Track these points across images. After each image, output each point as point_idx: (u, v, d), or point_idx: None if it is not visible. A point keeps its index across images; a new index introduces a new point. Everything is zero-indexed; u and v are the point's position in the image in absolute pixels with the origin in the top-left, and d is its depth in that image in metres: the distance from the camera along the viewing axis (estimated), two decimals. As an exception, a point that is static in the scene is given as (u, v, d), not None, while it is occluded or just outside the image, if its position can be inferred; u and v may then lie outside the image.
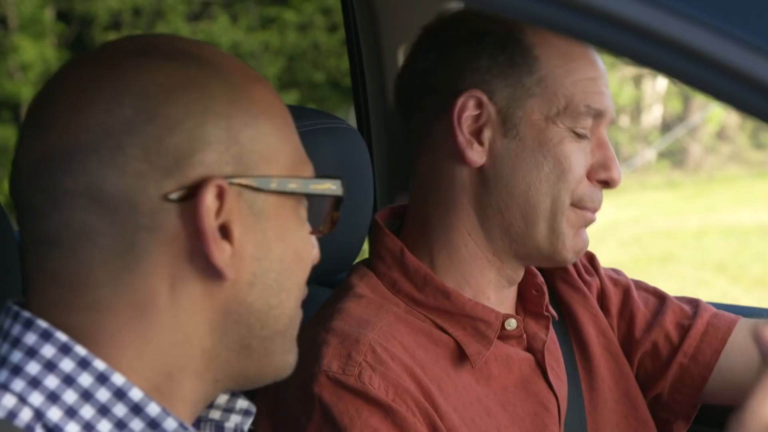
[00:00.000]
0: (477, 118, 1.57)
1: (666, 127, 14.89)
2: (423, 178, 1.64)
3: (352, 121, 2.22)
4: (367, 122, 2.29)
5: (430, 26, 1.65)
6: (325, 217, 1.14)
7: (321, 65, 11.74)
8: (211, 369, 1.08)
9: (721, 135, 14.74)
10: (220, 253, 1.04)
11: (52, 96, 1.07)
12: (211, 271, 1.05)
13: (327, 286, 1.92)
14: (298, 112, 1.96)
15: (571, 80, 1.57)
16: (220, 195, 1.04)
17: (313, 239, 1.14)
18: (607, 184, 1.60)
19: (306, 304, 1.71)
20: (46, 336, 1.03)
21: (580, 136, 1.57)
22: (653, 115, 15.15)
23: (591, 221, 1.61)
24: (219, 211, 1.04)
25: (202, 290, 1.06)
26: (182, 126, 1.04)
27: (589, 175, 1.59)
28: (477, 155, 1.57)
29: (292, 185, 1.09)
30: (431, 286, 1.59)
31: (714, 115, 14.37)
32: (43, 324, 1.04)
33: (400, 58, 2.20)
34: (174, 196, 1.03)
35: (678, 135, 14.53)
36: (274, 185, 1.07)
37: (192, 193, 1.03)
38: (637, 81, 14.90)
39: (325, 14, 11.82)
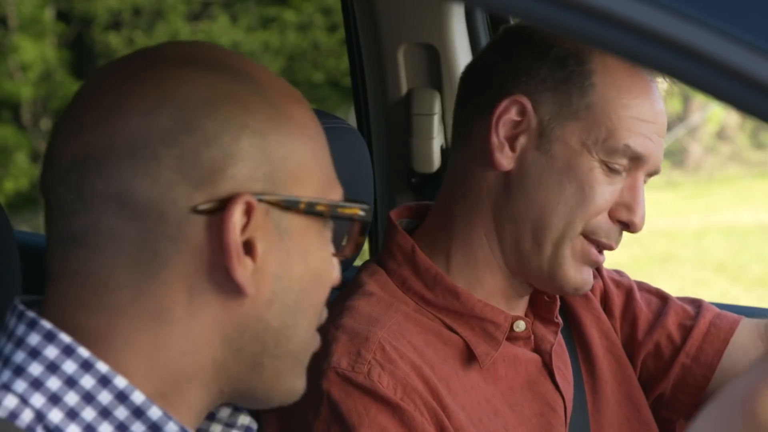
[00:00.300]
0: (517, 124, 1.57)
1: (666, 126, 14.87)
2: (455, 172, 1.65)
3: (352, 121, 2.22)
4: (367, 122, 2.29)
5: (510, 26, 1.67)
6: (350, 240, 1.14)
7: (321, 65, 11.74)
8: (220, 381, 1.08)
9: (721, 135, 14.74)
10: (242, 269, 1.04)
11: (92, 97, 1.07)
12: (230, 286, 1.05)
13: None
14: (298, 112, 1.96)
15: (620, 115, 1.56)
16: (248, 211, 1.04)
17: (335, 261, 1.14)
18: (627, 226, 1.59)
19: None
20: (49, 337, 1.03)
21: (612, 171, 1.56)
22: (653, 115, 15.12)
23: (597, 260, 1.60)
24: (245, 227, 1.04)
25: (220, 304, 1.05)
26: (219, 141, 1.04)
27: (612, 213, 1.58)
28: (505, 159, 1.57)
29: (320, 207, 1.08)
30: (441, 286, 1.59)
31: (714, 115, 14.37)
32: (47, 325, 1.04)
33: (400, 58, 2.20)
34: (202, 208, 1.03)
35: (678, 135, 14.52)
36: (302, 206, 1.07)
37: (220, 207, 1.03)
38: (637, 81, 14.88)
39: (325, 14, 11.82)
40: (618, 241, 1.60)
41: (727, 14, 0.94)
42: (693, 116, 14.69)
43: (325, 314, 1.14)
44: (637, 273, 1.91)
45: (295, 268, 1.08)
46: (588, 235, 1.58)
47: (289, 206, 1.06)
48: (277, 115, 1.07)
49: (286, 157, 1.07)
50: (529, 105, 1.57)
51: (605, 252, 1.62)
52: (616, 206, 1.58)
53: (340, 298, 1.61)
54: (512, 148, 1.58)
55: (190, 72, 1.06)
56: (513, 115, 1.57)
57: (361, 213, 1.12)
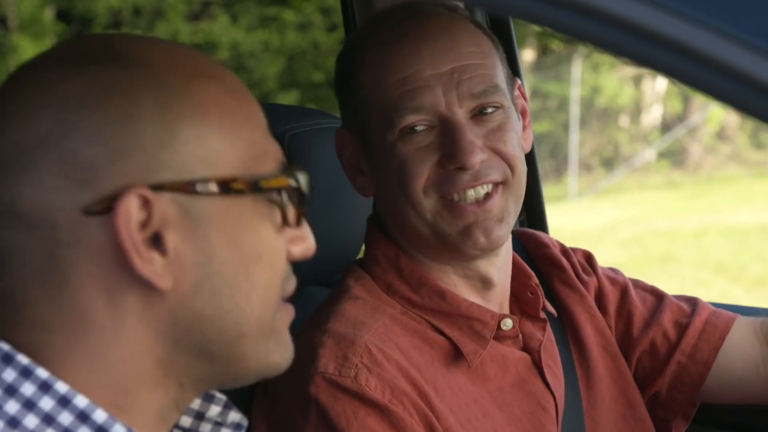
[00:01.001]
0: (354, 161, 1.64)
1: (666, 127, 14.91)
2: None
3: (352, 120, 2.21)
4: (367, 122, 2.29)
5: None
6: (291, 210, 1.07)
7: (321, 65, 11.76)
8: (172, 375, 1.04)
9: (721, 135, 14.76)
10: (147, 264, 0.99)
11: None
12: (146, 282, 1.00)
13: (327, 285, 1.92)
14: (298, 112, 1.97)
15: (378, 93, 1.58)
16: (146, 204, 0.99)
17: (307, 232, 1.08)
18: (463, 169, 1.56)
19: (306, 304, 1.70)
20: (7, 360, 1.01)
21: (409, 134, 1.56)
22: (653, 115, 15.17)
23: (471, 212, 1.56)
24: (148, 221, 0.99)
25: (142, 301, 1.01)
26: (99, 136, 0.99)
27: (444, 165, 1.56)
28: (359, 183, 1.64)
29: (237, 185, 1.02)
30: (426, 287, 1.60)
31: (714, 115, 14.39)
32: (5, 347, 1.01)
33: (400, 58, 2.20)
34: (92, 209, 0.99)
35: (678, 135, 14.54)
36: (213, 188, 1.01)
37: (110, 206, 0.98)
38: (637, 81, 14.93)
39: (324, 14, 11.84)
40: (478, 175, 1.56)
41: (727, 14, 0.95)
42: (693, 116, 14.70)
43: (291, 285, 1.08)
44: (637, 273, 1.91)
45: (219, 252, 1.02)
46: (442, 197, 1.57)
47: (198, 190, 1.00)
48: (173, 100, 1.01)
49: (186, 140, 1.01)
50: (348, 135, 1.63)
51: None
52: (442, 159, 1.56)
53: (326, 303, 1.62)
54: (360, 171, 1.64)
55: (69, 70, 1.01)
56: (350, 146, 1.64)
57: (292, 183, 1.05)
